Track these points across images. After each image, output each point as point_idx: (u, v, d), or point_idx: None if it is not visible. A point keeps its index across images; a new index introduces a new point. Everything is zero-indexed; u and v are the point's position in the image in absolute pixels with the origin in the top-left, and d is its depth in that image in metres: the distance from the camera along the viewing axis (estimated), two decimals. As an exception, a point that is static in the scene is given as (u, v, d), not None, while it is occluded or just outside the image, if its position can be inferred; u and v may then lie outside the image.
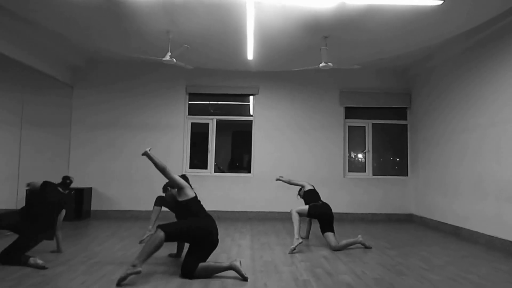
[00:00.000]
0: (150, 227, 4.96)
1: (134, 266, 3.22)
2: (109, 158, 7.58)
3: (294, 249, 4.53)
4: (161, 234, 3.29)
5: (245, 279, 3.36)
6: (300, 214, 4.79)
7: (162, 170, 3.60)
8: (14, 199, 6.29)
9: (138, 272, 3.21)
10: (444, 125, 6.50)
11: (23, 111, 6.53)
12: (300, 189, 5.41)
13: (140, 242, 4.88)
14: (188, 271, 3.39)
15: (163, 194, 5.23)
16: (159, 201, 5.13)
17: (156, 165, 3.59)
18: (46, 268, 3.58)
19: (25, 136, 6.51)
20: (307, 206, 4.88)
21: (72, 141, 7.61)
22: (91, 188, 7.45)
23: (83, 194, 7.10)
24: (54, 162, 7.36)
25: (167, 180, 5.37)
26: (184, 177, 3.92)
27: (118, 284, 3.15)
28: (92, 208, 7.44)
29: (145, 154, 3.59)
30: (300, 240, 4.57)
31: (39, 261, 3.61)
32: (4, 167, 6.30)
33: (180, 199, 3.66)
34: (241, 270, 3.39)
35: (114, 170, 7.55)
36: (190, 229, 3.46)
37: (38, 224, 3.92)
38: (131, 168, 7.56)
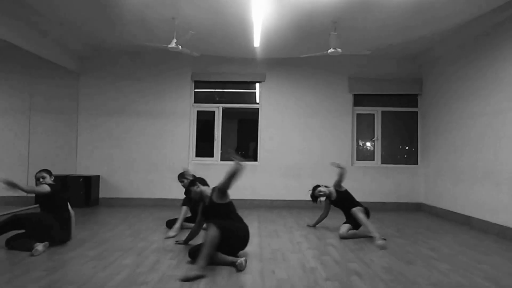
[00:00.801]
0: (178, 225, 4.65)
1: (200, 270, 3.09)
2: (116, 146, 7.59)
3: (383, 246, 4.24)
4: (217, 233, 3.25)
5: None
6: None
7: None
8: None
9: (203, 277, 3.05)
10: (457, 112, 6.36)
11: (31, 99, 6.53)
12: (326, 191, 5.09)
13: (167, 238, 4.39)
14: (195, 251, 3.40)
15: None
16: (187, 201, 5.08)
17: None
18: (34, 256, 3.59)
19: (34, 123, 6.53)
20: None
21: (79, 128, 7.63)
22: (98, 176, 7.48)
23: (91, 182, 7.14)
24: (63, 149, 7.40)
25: (180, 171, 5.38)
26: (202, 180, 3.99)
27: (183, 280, 2.98)
28: (100, 196, 7.49)
29: (236, 170, 3.50)
30: (384, 239, 4.41)
31: (40, 248, 3.64)
32: (14, 154, 6.35)
33: (220, 200, 3.64)
34: (241, 270, 3.26)
35: (121, 158, 7.57)
36: (237, 236, 3.53)
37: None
38: (138, 156, 7.57)
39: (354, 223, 4.80)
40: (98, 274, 3.08)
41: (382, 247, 4.20)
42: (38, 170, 4.28)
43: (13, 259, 3.47)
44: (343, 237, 4.67)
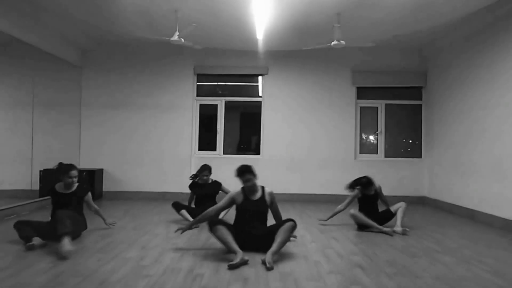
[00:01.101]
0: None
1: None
2: (119, 139, 7.59)
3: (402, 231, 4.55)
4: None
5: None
6: None
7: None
8: (29, 180, 6.38)
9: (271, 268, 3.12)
10: (461, 104, 6.31)
11: (34, 93, 6.53)
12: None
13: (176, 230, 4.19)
14: (213, 221, 3.51)
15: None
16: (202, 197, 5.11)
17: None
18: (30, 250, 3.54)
19: (37, 118, 6.53)
20: None
21: (82, 122, 7.63)
22: (102, 170, 7.50)
23: (95, 175, 7.17)
24: (66, 143, 7.42)
25: (202, 164, 5.45)
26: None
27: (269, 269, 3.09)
28: (104, 189, 7.51)
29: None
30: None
31: (36, 243, 3.59)
32: (18, 148, 6.38)
33: (268, 203, 3.86)
34: (236, 266, 3.15)
35: (124, 152, 7.57)
36: None
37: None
38: (141, 149, 7.58)
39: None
40: (103, 267, 3.10)
41: (402, 233, 4.52)
42: (67, 165, 4.10)
43: (18, 252, 3.49)
44: (353, 215, 4.75)
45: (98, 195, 7.31)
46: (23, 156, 6.34)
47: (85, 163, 7.53)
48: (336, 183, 7.52)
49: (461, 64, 6.31)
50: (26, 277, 2.83)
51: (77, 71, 7.58)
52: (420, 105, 7.75)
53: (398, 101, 7.80)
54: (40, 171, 6.42)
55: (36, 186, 6.37)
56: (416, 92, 7.77)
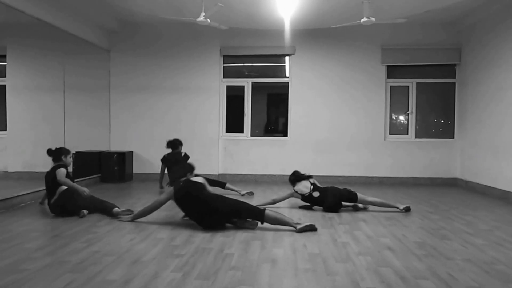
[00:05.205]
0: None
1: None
2: (148, 121, 7.73)
3: None
4: None
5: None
6: None
7: None
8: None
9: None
10: (498, 82, 6.00)
11: (64, 77, 6.70)
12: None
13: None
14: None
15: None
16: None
17: None
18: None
19: (68, 101, 6.73)
20: None
21: (112, 105, 7.80)
22: (132, 152, 7.70)
23: (125, 158, 7.37)
24: (97, 126, 7.64)
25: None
26: None
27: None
28: (134, 171, 7.72)
29: None
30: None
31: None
32: (51, 131, 6.62)
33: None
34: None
35: (153, 134, 7.71)
36: None
37: None
38: (169, 132, 7.67)
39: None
40: (135, 247, 3.21)
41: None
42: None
43: (53, 232, 3.68)
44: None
45: (128, 177, 7.53)
46: (56, 139, 6.57)
47: (115, 146, 7.75)
48: (365, 164, 7.43)
49: (498, 39, 5.97)
50: (62, 256, 2.96)
51: (105, 55, 7.70)
52: (454, 84, 7.44)
53: (430, 80, 7.52)
54: (73, 154, 6.64)
55: (69, 169, 6.60)
56: (449, 69, 7.45)
